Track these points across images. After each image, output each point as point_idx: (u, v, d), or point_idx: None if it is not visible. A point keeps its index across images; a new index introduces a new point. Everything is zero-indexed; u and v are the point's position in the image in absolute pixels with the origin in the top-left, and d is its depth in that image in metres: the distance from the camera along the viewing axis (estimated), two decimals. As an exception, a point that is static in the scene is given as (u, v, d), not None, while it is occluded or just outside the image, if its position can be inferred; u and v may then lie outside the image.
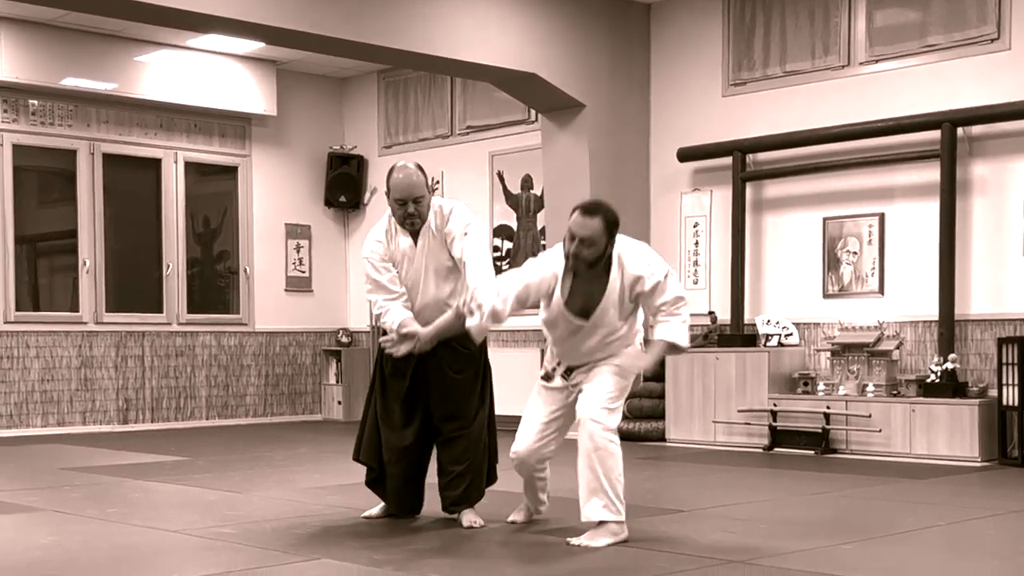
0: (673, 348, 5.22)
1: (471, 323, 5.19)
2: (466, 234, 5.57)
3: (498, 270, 11.88)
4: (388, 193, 5.64)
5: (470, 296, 5.27)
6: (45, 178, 12.13)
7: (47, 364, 11.66)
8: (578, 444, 5.18)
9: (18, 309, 11.52)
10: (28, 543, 5.34)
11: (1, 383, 11.39)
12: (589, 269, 5.20)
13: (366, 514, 5.97)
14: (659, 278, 5.18)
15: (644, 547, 5.12)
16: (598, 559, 4.91)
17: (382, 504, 5.96)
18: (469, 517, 5.69)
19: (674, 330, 5.19)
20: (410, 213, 5.57)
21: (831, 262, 9.84)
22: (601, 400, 5.19)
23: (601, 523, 5.18)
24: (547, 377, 5.50)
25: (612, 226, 5.18)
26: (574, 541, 5.16)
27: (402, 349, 5.52)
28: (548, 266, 5.29)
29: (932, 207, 9.18)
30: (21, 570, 4.68)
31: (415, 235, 5.66)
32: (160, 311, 12.44)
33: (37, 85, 11.38)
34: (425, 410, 5.76)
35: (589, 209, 5.19)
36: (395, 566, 4.72)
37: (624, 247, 5.27)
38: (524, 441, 5.45)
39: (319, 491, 7.10)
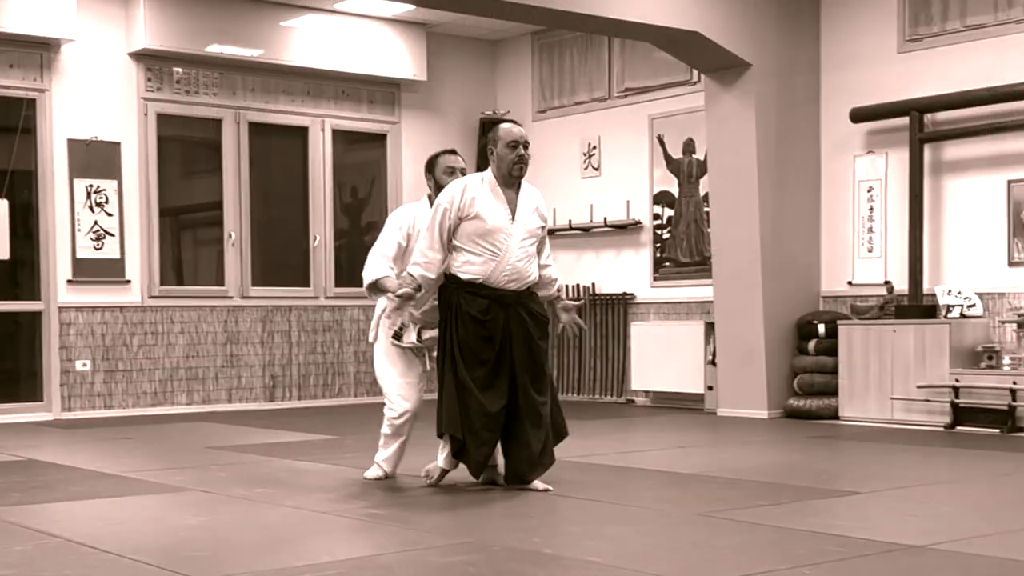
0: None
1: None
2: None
3: (658, 238, 11.58)
4: (496, 143, 6.10)
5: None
6: (189, 148, 12.01)
7: (192, 340, 11.49)
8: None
9: (163, 283, 11.37)
10: (176, 523, 5.30)
11: (146, 359, 11.24)
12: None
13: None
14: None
15: (820, 531, 4.89)
16: (766, 543, 4.63)
17: (440, 465, 6.32)
18: (541, 482, 5.98)
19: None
20: (520, 155, 6.00)
21: (1016, 228, 9.37)
22: None
23: None
24: (397, 336, 6.30)
25: None
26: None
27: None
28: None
29: None
30: (171, 550, 4.60)
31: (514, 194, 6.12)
32: (307, 284, 12.23)
33: (181, 53, 11.23)
34: (511, 376, 5.96)
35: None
36: (555, 549, 4.55)
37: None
38: (413, 399, 6.57)
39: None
